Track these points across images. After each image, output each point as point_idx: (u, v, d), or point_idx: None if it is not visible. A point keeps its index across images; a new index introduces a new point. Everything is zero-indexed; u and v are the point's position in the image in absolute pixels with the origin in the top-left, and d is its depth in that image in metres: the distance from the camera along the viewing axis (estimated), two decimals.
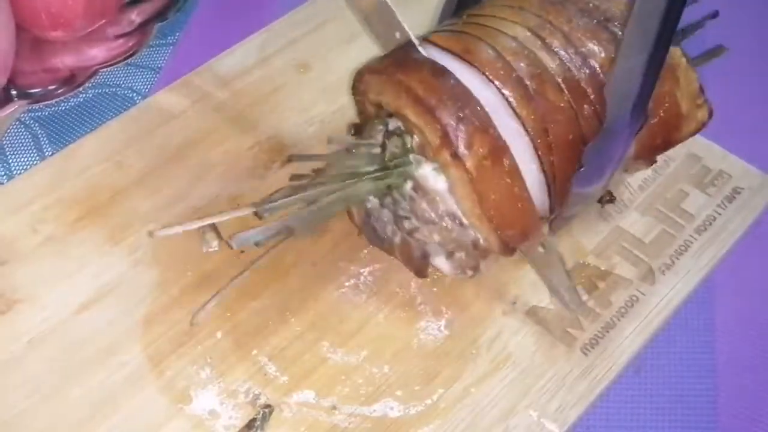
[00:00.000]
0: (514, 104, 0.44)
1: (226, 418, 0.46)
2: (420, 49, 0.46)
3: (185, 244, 0.52)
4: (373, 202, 0.48)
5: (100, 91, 0.64)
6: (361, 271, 0.51)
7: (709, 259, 0.52)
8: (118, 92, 0.64)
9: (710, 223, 0.54)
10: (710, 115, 0.50)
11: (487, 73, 0.44)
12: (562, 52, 0.45)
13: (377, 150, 0.46)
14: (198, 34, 0.68)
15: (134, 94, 0.64)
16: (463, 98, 0.43)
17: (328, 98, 0.60)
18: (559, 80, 0.45)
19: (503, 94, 0.44)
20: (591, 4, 0.47)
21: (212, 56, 0.61)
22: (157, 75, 0.65)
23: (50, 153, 0.60)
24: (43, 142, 0.61)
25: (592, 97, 0.45)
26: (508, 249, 0.46)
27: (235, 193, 0.54)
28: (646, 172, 0.55)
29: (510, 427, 0.46)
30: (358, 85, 0.48)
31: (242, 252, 0.51)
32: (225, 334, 0.48)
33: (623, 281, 0.51)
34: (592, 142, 0.45)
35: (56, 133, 0.61)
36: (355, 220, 0.50)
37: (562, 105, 0.45)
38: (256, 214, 0.45)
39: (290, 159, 0.48)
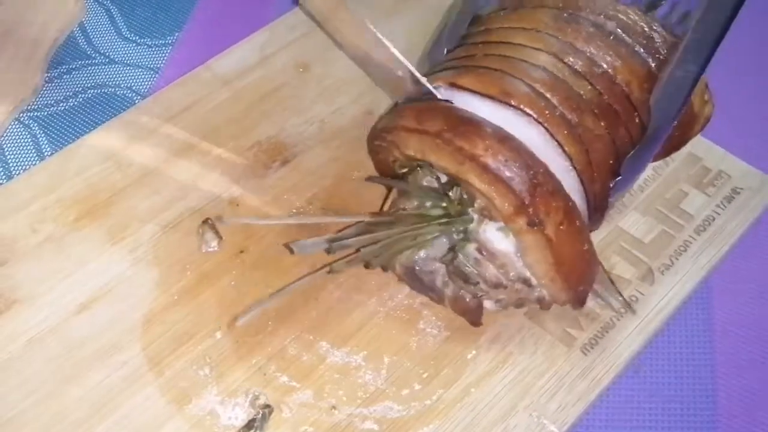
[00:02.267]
0: (563, 143, 0.44)
1: (226, 418, 0.46)
2: (452, 96, 0.44)
3: (185, 244, 0.52)
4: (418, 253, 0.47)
5: (99, 91, 0.64)
6: (361, 271, 0.51)
7: (709, 260, 0.52)
8: (118, 92, 0.64)
9: (709, 224, 0.54)
10: (713, 109, 0.50)
11: (533, 114, 0.43)
12: (589, 76, 0.45)
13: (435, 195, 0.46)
14: (197, 34, 0.68)
15: (134, 94, 0.64)
16: (532, 162, 0.42)
17: (327, 98, 0.60)
18: (593, 107, 0.45)
19: (551, 134, 0.43)
20: (603, 15, 0.46)
21: (212, 56, 0.61)
22: (157, 75, 0.65)
23: (49, 153, 0.60)
24: (42, 143, 0.61)
25: (623, 116, 0.45)
26: (579, 302, 0.46)
27: (235, 193, 0.54)
28: (646, 172, 0.55)
29: (510, 427, 0.46)
30: (386, 134, 0.47)
31: (242, 252, 0.51)
32: (224, 334, 0.48)
33: (622, 281, 0.51)
34: (632, 152, 0.45)
35: (55, 134, 0.61)
36: (396, 270, 0.49)
37: (599, 133, 0.45)
38: (327, 251, 0.46)
39: (370, 179, 0.51)
